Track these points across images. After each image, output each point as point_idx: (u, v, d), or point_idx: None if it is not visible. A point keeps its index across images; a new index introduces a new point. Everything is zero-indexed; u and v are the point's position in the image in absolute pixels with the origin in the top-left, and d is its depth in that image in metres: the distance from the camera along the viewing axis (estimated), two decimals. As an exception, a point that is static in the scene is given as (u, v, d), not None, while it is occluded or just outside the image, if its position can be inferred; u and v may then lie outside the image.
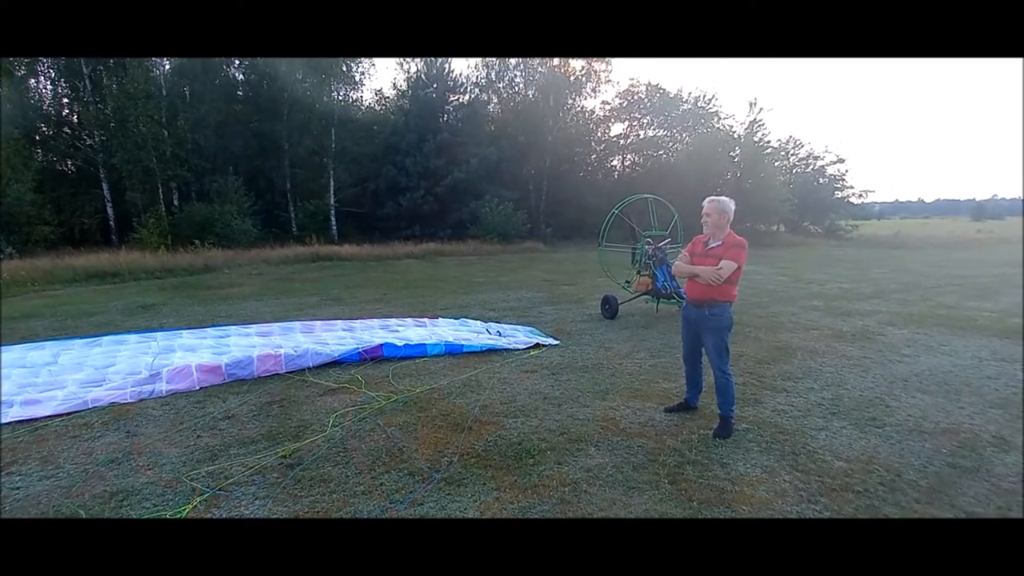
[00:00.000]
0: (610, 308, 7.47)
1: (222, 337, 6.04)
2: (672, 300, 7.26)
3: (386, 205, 23.57)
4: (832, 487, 2.91)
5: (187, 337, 6.03)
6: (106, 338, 5.95)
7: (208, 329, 6.41)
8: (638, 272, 7.85)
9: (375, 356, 5.33)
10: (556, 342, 6.10)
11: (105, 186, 20.15)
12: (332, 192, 23.85)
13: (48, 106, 21.65)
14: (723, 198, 3.62)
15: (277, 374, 4.92)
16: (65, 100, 21.68)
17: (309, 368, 5.02)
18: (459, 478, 3.02)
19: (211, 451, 3.39)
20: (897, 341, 6.14)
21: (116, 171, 19.69)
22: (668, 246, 7.63)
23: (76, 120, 21.63)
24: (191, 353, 5.31)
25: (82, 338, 6.02)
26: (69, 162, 22.29)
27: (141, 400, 4.34)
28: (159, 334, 6.14)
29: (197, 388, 4.59)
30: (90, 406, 4.13)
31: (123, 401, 4.29)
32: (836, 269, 14.81)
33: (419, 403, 4.20)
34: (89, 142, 20.60)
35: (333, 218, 23.86)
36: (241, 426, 3.81)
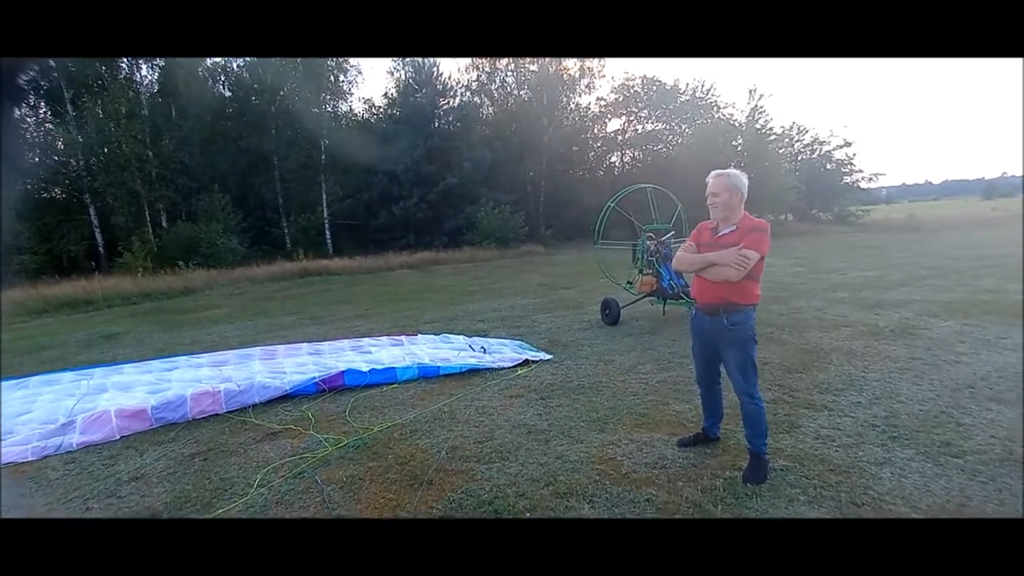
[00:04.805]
0: (611, 313, 6.67)
1: (168, 370, 5.29)
2: (681, 301, 6.43)
3: (379, 215, 22.90)
4: (917, 558, 2.08)
5: (129, 372, 5.29)
6: (35, 378, 5.21)
7: (154, 361, 5.67)
8: (640, 271, 7.04)
9: (335, 386, 4.56)
10: (548, 357, 5.30)
11: (92, 211, 19.63)
12: (325, 205, 23.24)
13: (32, 134, 21.18)
14: (733, 171, 2.83)
15: (216, 414, 4.16)
16: (48, 126, 21.17)
17: (254, 405, 4.26)
18: (402, 565, 2.22)
19: (91, 533, 2.62)
20: (946, 336, 5.28)
21: (101, 195, 19.18)
22: (672, 240, 6.81)
23: (61, 146, 21.16)
24: (123, 393, 4.56)
25: (10, 379, 5.28)
26: (58, 189, 21.83)
27: (44, 457, 3.59)
28: (97, 370, 5.40)
29: (117, 437, 3.84)
30: (-26, 471, 3.38)
31: (22, 460, 3.54)
32: (854, 256, 13.89)
33: (374, 447, 3.41)
34: (75, 167, 20.10)
35: (327, 232, 23.23)
36: (146, 491, 3.04)
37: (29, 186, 19.65)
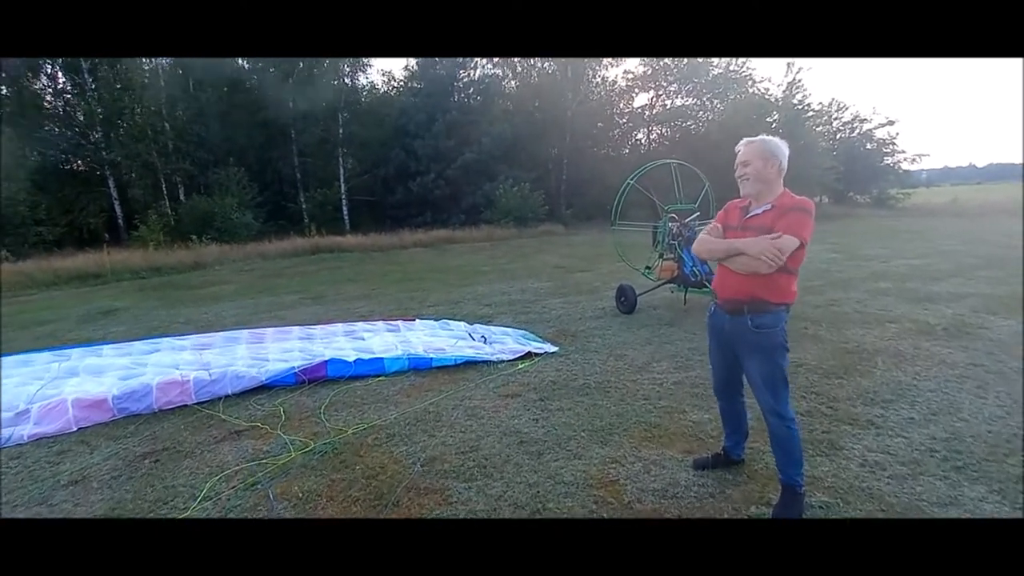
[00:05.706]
0: (627, 301, 6.13)
1: (148, 353, 4.97)
2: (704, 289, 5.86)
3: (396, 191, 22.46)
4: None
5: (107, 354, 4.99)
6: (9, 358, 4.94)
7: (137, 343, 5.36)
8: (661, 256, 6.46)
9: (316, 377, 4.17)
10: (554, 349, 4.81)
11: (111, 183, 19.64)
12: (342, 180, 22.89)
13: (52, 104, 21.18)
14: (768, 138, 2.25)
15: (185, 405, 3.81)
16: (67, 96, 21.12)
17: (226, 396, 3.90)
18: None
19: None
20: (1009, 337, 4.61)
21: (119, 167, 19.14)
22: (697, 222, 6.20)
23: (81, 118, 21.15)
24: (91, 378, 4.23)
25: (-14, 358, 5.03)
26: (80, 161, 21.87)
27: (-8, 450, 3.29)
28: (75, 351, 5.12)
29: (74, 429, 3.52)
30: (-91, 465, 3.09)
31: (-33, 453, 3.24)
32: (895, 243, 12.95)
33: (343, 454, 3.00)
34: (94, 138, 20.08)
35: (344, 207, 22.92)
36: (81, 498, 2.69)
37: (51, 157, 19.76)
